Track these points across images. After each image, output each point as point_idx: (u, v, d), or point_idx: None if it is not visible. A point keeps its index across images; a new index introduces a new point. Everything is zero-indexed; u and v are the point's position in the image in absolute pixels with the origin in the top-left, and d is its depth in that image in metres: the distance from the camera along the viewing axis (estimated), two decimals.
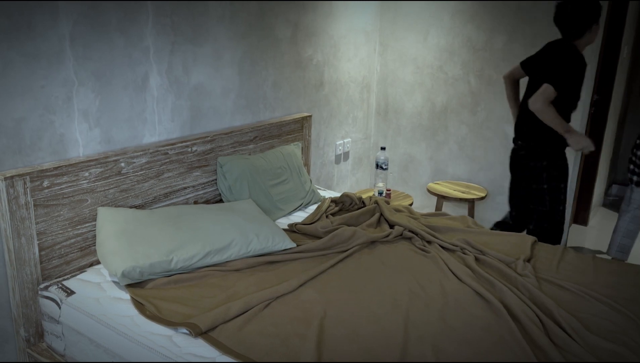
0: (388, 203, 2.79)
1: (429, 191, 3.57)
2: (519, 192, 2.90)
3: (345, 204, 2.81)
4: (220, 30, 2.64)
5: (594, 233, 4.15)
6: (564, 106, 2.62)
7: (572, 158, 3.33)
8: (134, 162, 2.28)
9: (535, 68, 2.74)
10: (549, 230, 2.80)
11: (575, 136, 2.58)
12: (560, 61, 2.57)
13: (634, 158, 3.25)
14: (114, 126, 2.27)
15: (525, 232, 2.92)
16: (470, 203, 3.45)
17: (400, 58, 3.88)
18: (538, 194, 2.76)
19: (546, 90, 2.50)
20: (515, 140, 2.83)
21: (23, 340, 2.04)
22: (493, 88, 3.54)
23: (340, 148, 3.76)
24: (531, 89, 2.74)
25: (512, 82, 2.96)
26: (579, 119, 3.29)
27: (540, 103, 2.51)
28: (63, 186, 2.04)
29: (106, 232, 2.04)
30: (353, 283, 2.02)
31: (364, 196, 2.94)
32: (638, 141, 3.26)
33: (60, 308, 1.93)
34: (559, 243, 2.83)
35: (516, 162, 2.83)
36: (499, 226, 3.06)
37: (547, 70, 2.59)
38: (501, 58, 3.46)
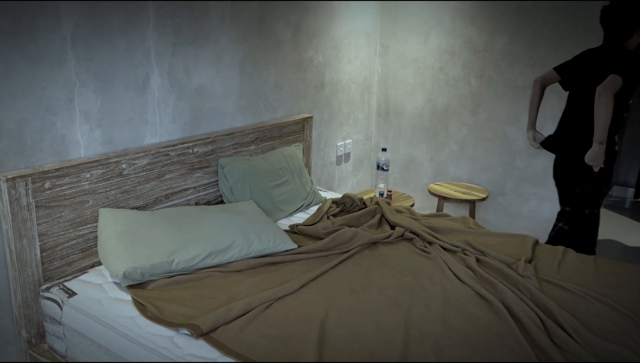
0: (389, 204, 2.79)
1: (429, 192, 3.58)
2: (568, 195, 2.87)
3: (346, 206, 2.81)
4: (221, 31, 2.65)
5: None
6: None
7: None
8: (135, 163, 2.29)
9: (581, 75, 2.70)
10: (584, 233, 2.78)
11: (601, 149, 2.54)
12: (623, 57, 2.54)
13: None
14: (115, 127, 2.27)
15: (558, 230, 2.89)
16: (471, 203, 3.45)
17: (401, 59, 3.88)
18: (580, 197, 2.74)
19: (615, 80, 2.45)
20: (559, 153, 2.80)
21: (24, 341, 2.04)
22: (494, 89, 3.54)
23: (341, 149, 3.76)
24: (575, 98, 2.71)
25: (542, 88, 2.91)
26: None
27: (610, 91, 2.45)
28: (64, 187, 2.05)
29: (107, 233, 2.05)
30: (354, 284, 2.03)
31: (365, 197, 2.95)
32: None
33: (61, 309, 1.93)
34: (594, 245, 2.82)
35: (560, 166, 2.81)
36: (555, 239, 2.95)
37: (609, 67, 2.53)
38: (502, 59, 3.47)
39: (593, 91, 2.58)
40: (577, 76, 2.73)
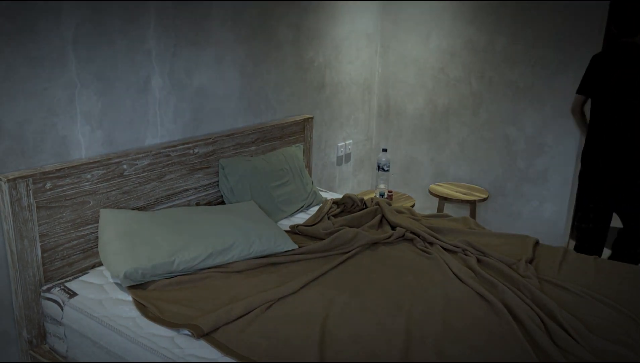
0: (390, 204, 2.79)
1: (430, 192, 3.58)
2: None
3: (347, 206, 2.81)
4: (222, 32, 2.65)
5: None
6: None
7: (575, 157, 3.33)
8: (136, 164, 2.29)
9: (599, 84, 2.69)
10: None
11: None
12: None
13: None
14: (116, 128, 2.28)
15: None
16: (472, 204, 3.45)
17: (401, 60, 3.88)
18: None
19: None
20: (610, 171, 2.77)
21: (25, 342, 2.04)
22: (494, 90, 3.54)
23: (341, 149, 3.76)
24: (602, 107, 2.69)
25: (581, 112, 2.91)
26: None
27: None
28: (65, 188, 2.05)
29: (108, 234, 2.05)
30: (355, 284, 2.03)
31: (365, 197, 2.95)
32: None
33: (62, 309, 1.93)
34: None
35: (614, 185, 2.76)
36: (617, 256, 2.88)
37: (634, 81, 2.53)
38: (502, 59, 3.47)
39: (617, 96, 2.58)
40: (596, 86, 2.72)
